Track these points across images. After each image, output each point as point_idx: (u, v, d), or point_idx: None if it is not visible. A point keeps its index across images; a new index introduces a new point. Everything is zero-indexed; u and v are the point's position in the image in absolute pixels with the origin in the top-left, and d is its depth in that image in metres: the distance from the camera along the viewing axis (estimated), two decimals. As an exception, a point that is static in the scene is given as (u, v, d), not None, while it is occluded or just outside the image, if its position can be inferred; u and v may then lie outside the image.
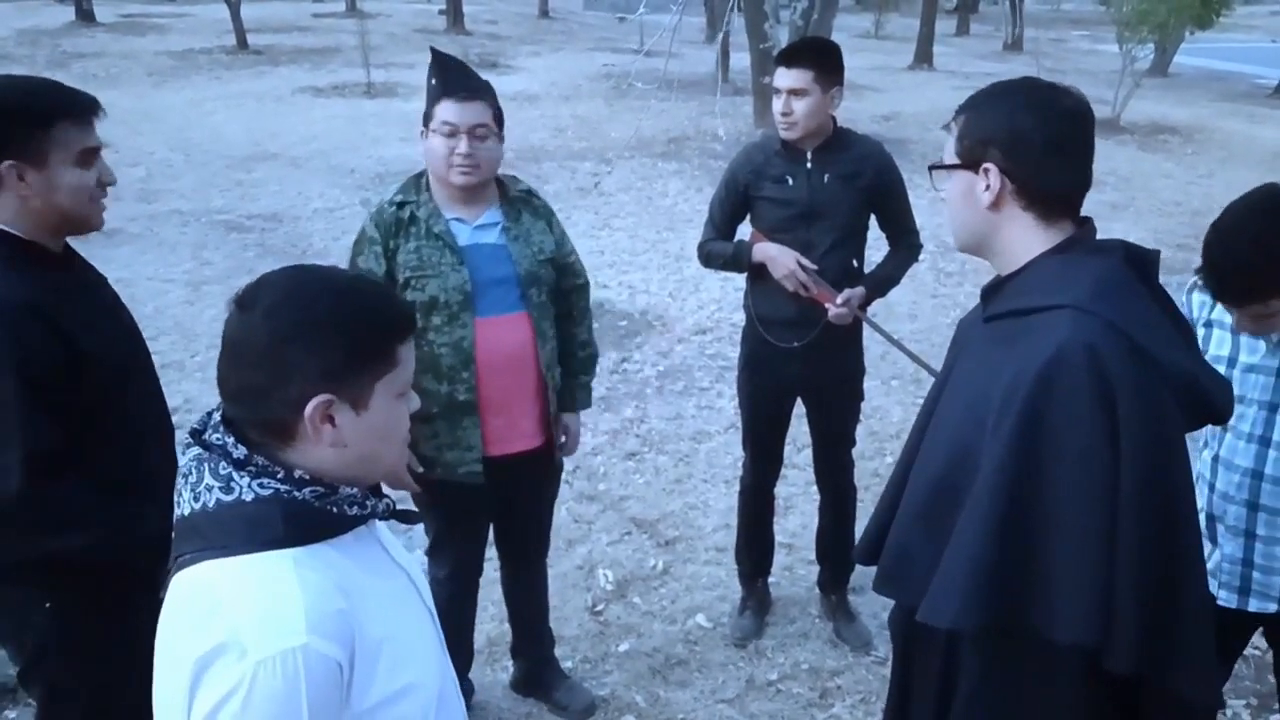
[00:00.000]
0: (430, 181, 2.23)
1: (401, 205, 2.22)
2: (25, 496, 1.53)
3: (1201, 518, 1.88)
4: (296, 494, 1.03)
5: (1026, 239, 1.36)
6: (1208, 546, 1.89)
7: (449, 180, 2.17)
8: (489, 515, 2.47)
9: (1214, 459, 1.90)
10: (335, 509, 1.06)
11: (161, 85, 12.72)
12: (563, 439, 2.49)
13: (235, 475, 1.02)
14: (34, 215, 1.61)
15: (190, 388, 4.49)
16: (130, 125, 10.06)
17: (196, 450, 1.05)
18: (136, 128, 9.98)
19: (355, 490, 1.09)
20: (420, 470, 2.23)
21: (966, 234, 1.43)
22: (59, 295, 1.61)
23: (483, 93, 2.16)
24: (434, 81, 2.17)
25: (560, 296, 2.39)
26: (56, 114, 1.59)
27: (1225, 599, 1.88)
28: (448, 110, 2.13)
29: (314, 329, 1.03)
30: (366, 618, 1.03)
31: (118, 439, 1.67)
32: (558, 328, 2.41)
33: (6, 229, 1.60)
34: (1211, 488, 1.89)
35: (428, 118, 2.17)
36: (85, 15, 18.06)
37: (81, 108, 1.62)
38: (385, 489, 1.22)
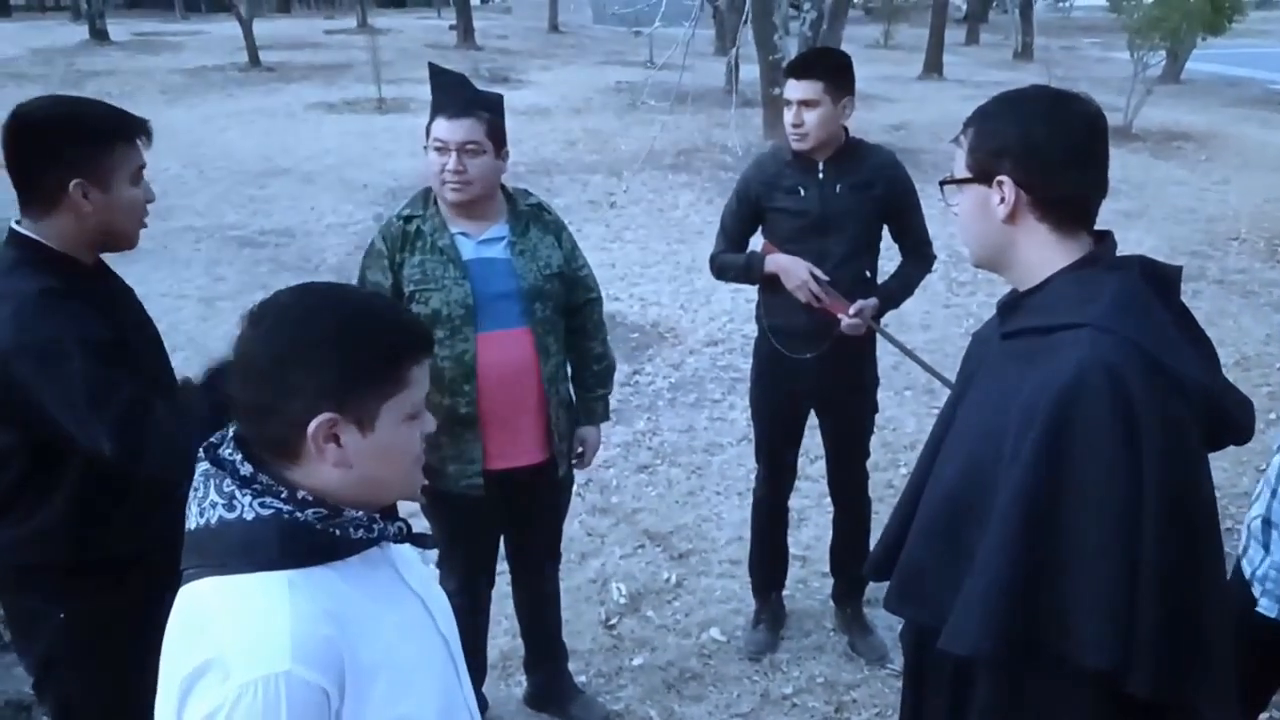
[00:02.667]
0: (439, 196, 2.24)
1: (409, 219, 2.23)
2: (134, 449, 1.57)
3: (1258, 524, 1.85)
4: (298, 515, 1.02)
5: (1044, 252, 1.34)
6: (1260, 553, 1.85)
7: (442, 195, 2.20)
8: (497, 528, 2.46)
9: None
10: (338, 531, 1.05)
11: (175, 103, 12.85)
12: (579, 450, 2.48)
13: (238, 493, 1.02)
14: (85, 232, 1.66)
15: (204, 403, 4.51)
16: (145, 142, 10.13)
17: (205, 465, 1.05)
18: (150, 144, 10.07)
19: (361, 513, 1.07)
20: (425, 482, 2.22)
21: (982, 249, 1.41)
22: (91, 297, 1.66)
23: (475, 109, 2.16)
24: (433, 99, 2.20)
25: (572, 311, 2.38)
26: (118, 134, 1.66)
27: (1265, 607, 1.83)
28: (439, 127, 2.15)
29: (316, 347, 1.02)
30: (362, 645, 1.02)
31: None
32: (572, 343, 2.40)
33: (41, 240, 1.64)
34: (1274, 493, 1.83)
35: (428, 133, 2.20)
36: (99, 34, 18.32)
37: (137, 128, 1.69)
38: (400, 511, 1.21)
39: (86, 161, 1.61)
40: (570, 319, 2.39)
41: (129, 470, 1.60)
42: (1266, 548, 1.83)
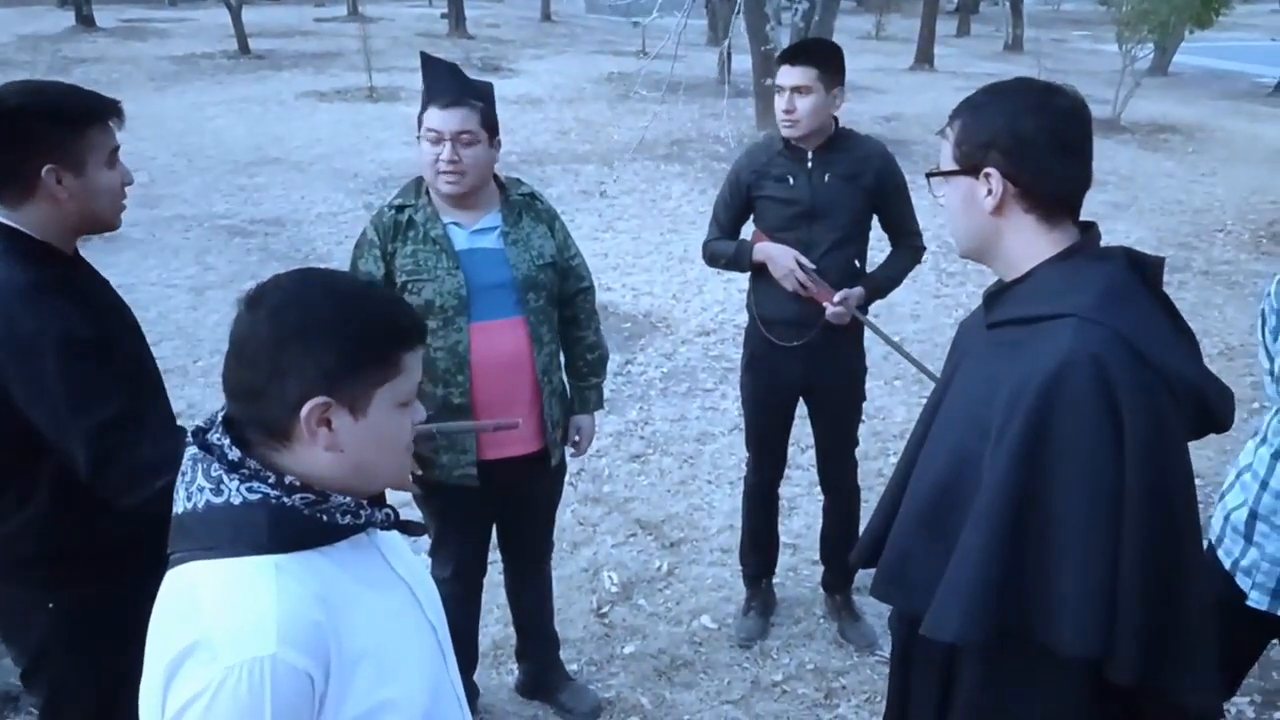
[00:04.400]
0: (430, 186, 2.23)
1: (401, 209, 2.22)
2: (102, 466, 1.56)
3: (1243, 513, 1.85)
4: (285, 500, 1.03)
5: (1030, 243, 1.35)
6: (1240, 545, 1.85)
7: (436, 187, 2.19)
8: (489, 517, 2.47)
9: (1274, 456, 1.81)
10: (325, 517, 1.06)
11: (163, 90, 12.75)
12: (575, 439, 2.49)
13: (226, 478, 1.02)
14: (63, 218, 1.63)
15: (193, 393, 4.49)
16: (132, 130, 9.97)
17: (193, 450, 1.05)
18: (138, 133, 9.99)
19: (348, 499, 1.08)
20: (419, 473, 2.23)
21: (969, 240, 1.42)
22: (72, 288, 1.64)
23: (468, 99, 2.16)
24: (423, 88, 2.18)
25: (565, 301, 2.39)
26: (90, 117, 1.62)
27: (1256, 600, 1.83)
28: (432, 117, 2.14)
29: (314, 330, 1.03)
30: (348, 630, 1.03)
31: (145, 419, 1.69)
32: (565, 332, 2.41)
33: (21, 229, 1.61)
34: (1264, 485, 1.81)
35: (419, 123, 2.18)
36: (86, 20, 18.12)
37: (109, 110, 1.65)
38: (390, 499, 1.21)
39: (58, 146, 1.57)
40: (563, 309, 2.39)
41: (90, 483, 1.58)
42: (1249, 539, 1.84)
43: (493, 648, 2.91)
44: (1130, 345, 1.24)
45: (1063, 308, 1.29)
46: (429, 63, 2.22)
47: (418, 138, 2.20)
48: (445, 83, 2.18)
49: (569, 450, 2.50)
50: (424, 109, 2.17)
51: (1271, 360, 1.85)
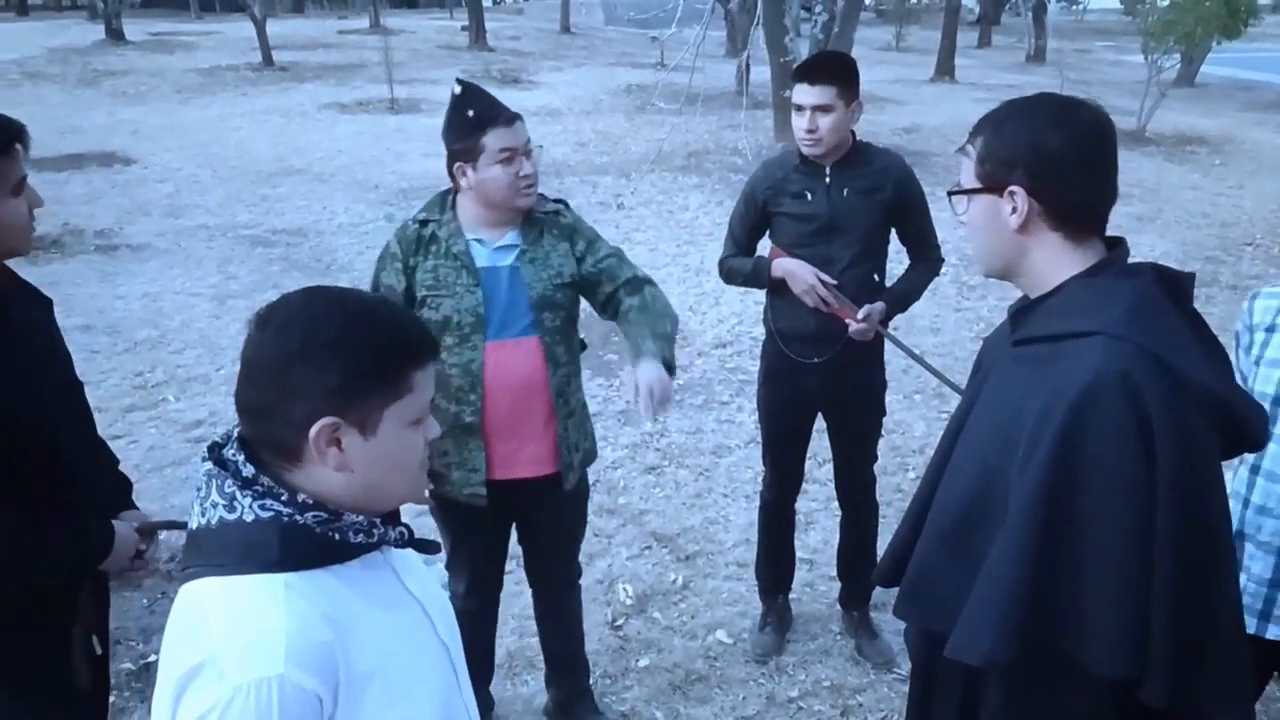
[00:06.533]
0: (457, 201, 2.21)
1: (425, 223, 2.21)
2: None
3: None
4: (298, 518, 1.03)
5: (1056, 260, 1.33)
6: None
7: (515, 204, 2.15)
8: (503, 535, 2.44)
9: (1252, 471, 1.80)
10: (337, 536, 1.05)
11: (189, 102, 12.93)
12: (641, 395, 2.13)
13: (239, 494, 1.02)
14: None
15: (215, 401, 4.54)
16: (157, 141, 10.23)
17: (209, 466, 1.06)
18: (164, 144, 10.15)
19: (361, 518, 1.07)
20: (431, 486, 2.22)
21: (994, 259, 1.39)
22: None
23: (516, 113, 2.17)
24: (471, 114, 2.11)
25: (609, 302, 2.27)
26: None
27: (1245, 623, 1.80)
28: (503, 137, 2.09)
29: (320, 349, 1.02)
30: (357, 650, 1.02)
31: (45, 471, 1.59)
32: (638, 320, 2.23)
33: None
34: (1246, 503, 1.80)
35: (469, 151, 2.09)
36: (115, 33, 18.42)
37: (13, 137, 1.52)
38: (405, 512, 1.21)
39: None
40: (612, 308, 2.27)
41: None
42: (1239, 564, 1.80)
43: (507, 659, 2.90)
44: (1160, 362, 1.22)
45: (1090, 325, 1.26)
46: (471, 89, 2.15)
47: (460, 168, 2.12)
48: (495, 103, 2.15)
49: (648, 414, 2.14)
50: (478, 133, 2.09)
51: (1244, 378, 1.82)
